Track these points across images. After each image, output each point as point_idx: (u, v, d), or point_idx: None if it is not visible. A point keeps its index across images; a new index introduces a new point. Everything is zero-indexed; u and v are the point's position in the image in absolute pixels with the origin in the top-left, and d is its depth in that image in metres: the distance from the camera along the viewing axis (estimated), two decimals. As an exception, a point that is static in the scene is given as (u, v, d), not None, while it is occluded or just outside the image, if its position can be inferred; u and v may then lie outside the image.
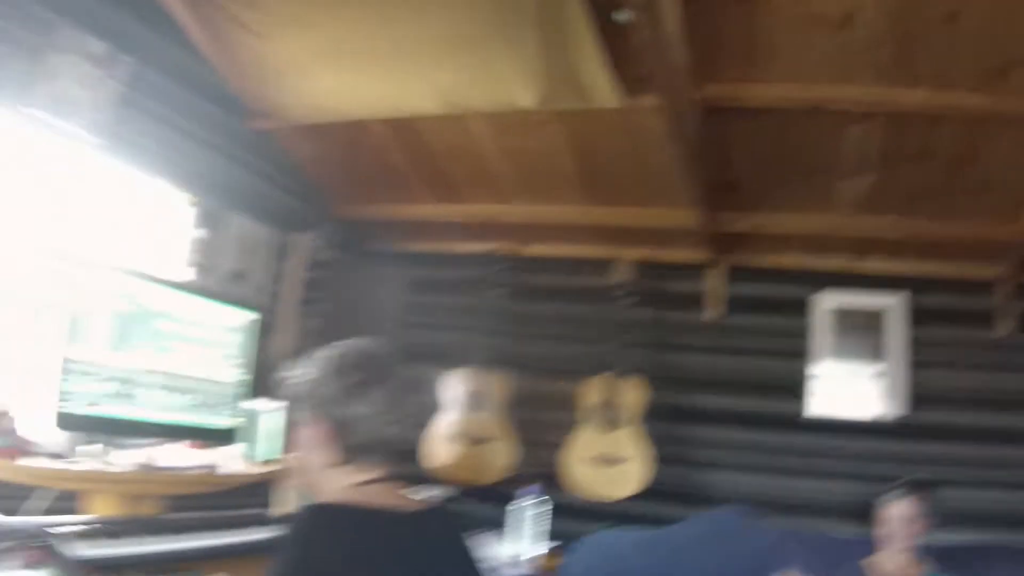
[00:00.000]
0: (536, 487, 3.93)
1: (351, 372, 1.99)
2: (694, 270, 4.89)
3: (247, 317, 3.33)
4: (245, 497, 3.58)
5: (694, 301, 4.90)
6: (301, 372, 2.06)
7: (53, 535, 2.22)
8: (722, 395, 4.79)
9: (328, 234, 4.96)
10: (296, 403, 2.06)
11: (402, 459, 2.07)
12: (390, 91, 3.86)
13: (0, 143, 3.19)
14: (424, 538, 1.98)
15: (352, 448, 1.97)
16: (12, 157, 3.23)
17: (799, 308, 4.74)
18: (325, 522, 1.84)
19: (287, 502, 3.71)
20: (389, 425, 1.98)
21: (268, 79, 4.00)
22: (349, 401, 1.96)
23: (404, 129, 4.34)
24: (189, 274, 4.09)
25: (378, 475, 1.99)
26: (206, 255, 4.21)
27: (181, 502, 3.09)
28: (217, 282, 4.26)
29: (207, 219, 4.20)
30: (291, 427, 2.12)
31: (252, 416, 3.59)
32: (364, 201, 5.17)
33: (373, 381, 1.99)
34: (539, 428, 4.96)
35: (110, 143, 3.49)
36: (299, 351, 4.37)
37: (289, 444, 2.18)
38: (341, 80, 3.87)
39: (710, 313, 4.83)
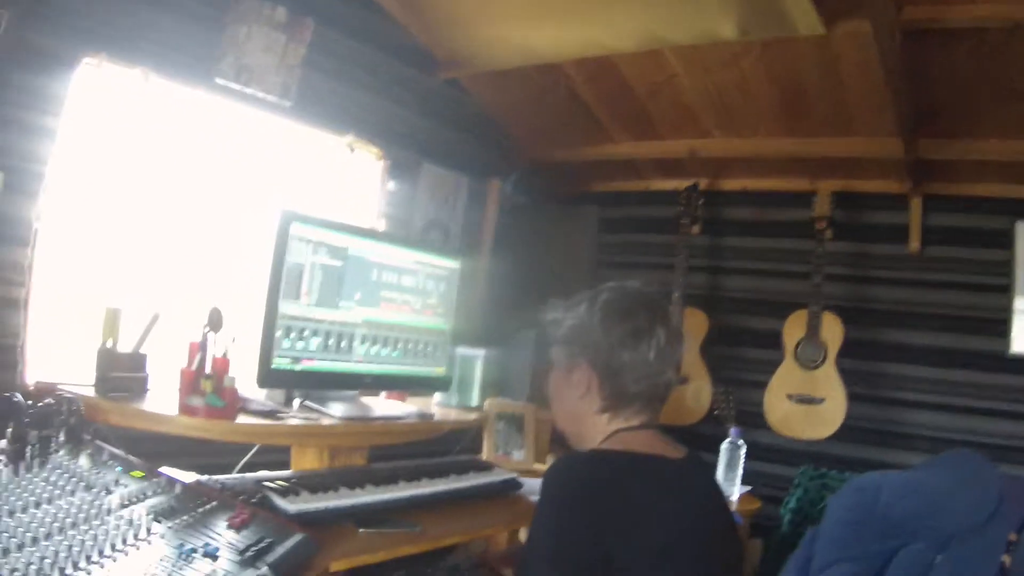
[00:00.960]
0: (736, 429, 3.89)
1: (624, 319, 1.97)
2: (892, 200, 4.68)
3: (448, 264, 3.38)
4: (453, 444, 3.69)
5: (893, 233, 4.69)
6: (568, 315, 2.06)
7: (268, 490, 2.31)
8: (922, 331, 4.60)
9: (520, 179, 4.98)
10: (562, 347, 2.07)
11: (661, 406, 2.06)
12: (587, 30, 3.80)
13: (196, 116, 3.36)
14: (690, 485, 1.97)
15: (620, 395, 1.97)
16: (209, 126, 3.40)
17: (1002, 239, 4.46)
18: (597, 470, 1.85)
19: (495, 448, 3.79)
20: (659, 374, 1.97)
21: (458, 28, 4.03)
22: (622, 349, 1.95)
23: (599, 68, 4.28)
24: (386, 227, 4.19)
25: (643, 422, 2.00)
26: (400, 207, 4.31)
27: (387, 452, 3.14)
28: (413, 232, 4.35)
29: (398, 171, 4.28)
30: (551, 370, 2.13)
31: (462, 362, 3.65)
32: (556, 144, 5.17)
33: (647, 329, 1.96)
34: (737, 366, 4.93)
35: (297, 105, 3.58)
36: (498, 297, 4.51)
37: (548, 387, 2.15)
38: (536, 23, 3.83)
39: (911, 245, 4.64)
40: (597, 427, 2.01)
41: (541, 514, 1.81)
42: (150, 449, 2.40)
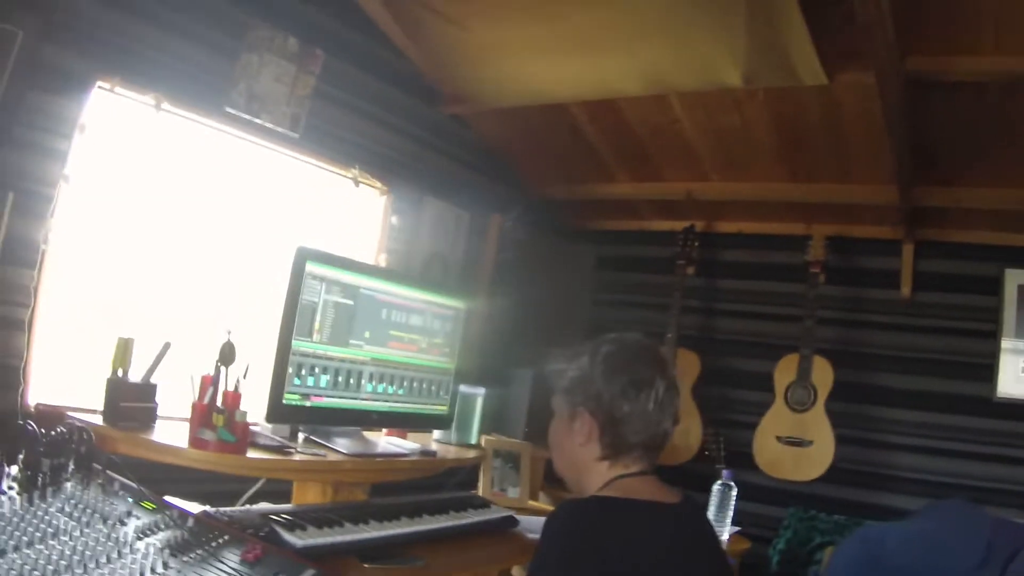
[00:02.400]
0: (727, 471, 3.92)
1: (625, 370, 2.02)
2: (885, 246, 4.72)
3: (454, 304, 3.41)
4: (450, 478, 3.71)
5: (885, 278, 4.74)
6: (571, 366, 2.10)
7: (275, 523, 2.33)
8: (910, 375, 4.63)
9: (521, 215, 5.01)
10: (564, 396, 2.11)
11: (660, 453, 2.09)
12: (593, 73, 3.86)
13: (206, 145, 3.39)
14: (685, 529, 2.01)
15: (620, 444, 2.01)
16: (217, 157, 3.44)
17: (990, 285, 4.51)
18: (598, 515, 1.88)
19: (491, 484, 3.81)
20: (658, 424, 2.02)
21: (465, 65, 4.07)
22: (623, 400, 1.99)
23: (603, 109, 4.33)
24: (387, 261, 4.21)
25: (642, 468, 2.04)
26: (402, 241, 4.32)
27: (385, 487, 3.17)
28: (415, 266, 4.37)
29: (401, 205, 4.30)
30: (553, 416, 2.17)
31: (462, 400, 3.66)
32: (558, 181, 5.22)
33: (647, 380, 2.00)
34: (728, 407, 4.96)
35: (305, 136, 3.62)
36: (496, 333, 4.53)
37: (549, 435, 2.19)
38: (543, 64, 3.88)
39: (902, 290, 4.68)
40: (598, 474, 2.05)
41: (540, 558, 1.83)
42: (153, 475, 2.42)
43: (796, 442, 4.50)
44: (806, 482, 4.49)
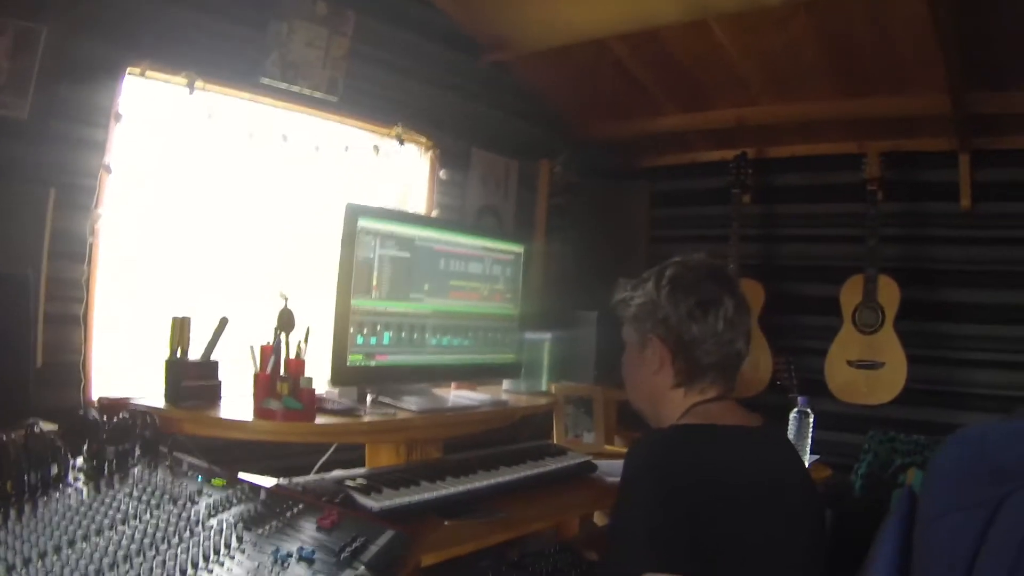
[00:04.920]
0: (803, 398, 3.84)
1: (691, 291, 1.98)
2: (941, 158, 4.53)
3: (513, 249, 3.35)
4: (522, 430, 3.65)
5: (943, 191, 4.56)
6: (636, 294, 2.07)
7: (350, 489, 2.29)
8: (979, 289, 4.45)
9: (570, 158, 4.93)
10: (632, 325, 2.08)
11: (736, 376, 2.05)
12: (629, 4, 3.76)
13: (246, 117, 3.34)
14: (771, 452, 1.98)
15: (693, 368, 1.98)
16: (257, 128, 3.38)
17: None
18: (679, 444, 1.84)
19: (565, 431, 3.77)
20: (730, 344, 1.97)
21: (499, 10, 4.00)
22: (691, 321, 1.95)
23: (645, 42, 4.19)
24: (442, 215, 4.16)
25: (719, 393, 2.00)
26: (452, 195, 4.28)
27: (459, 443, 3.14)
28: (469, 219, 4.33)
29: (448, 159, 4.25)
30: (625, 347, 2.13)
31: (529, 347, 3.61)
32: (604, 120, 5.12)
33: (715, 300, 1.96)
34: (796, 334, 4.87)
35: (344, 99, 3.57)
36: (557, 278, 4.48)
37: (622, 367, 2.16)
38: (578, 0, 3.79)
39: (962, 202, 4.50)
40: (674, 402, 2.01)
41: (627, 495, 1.78)
42: (223, 455, 2.40)
43: (868, 365, 4.40)
44: (881, 405, 4.38)
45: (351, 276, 2.70)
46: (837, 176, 4.82)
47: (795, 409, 3.80)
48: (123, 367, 2.95)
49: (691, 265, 2.04)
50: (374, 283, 2.78)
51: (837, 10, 3.67)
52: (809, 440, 3.81)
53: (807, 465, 3.64)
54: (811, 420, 3.82)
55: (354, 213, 2.71)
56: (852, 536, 2.58)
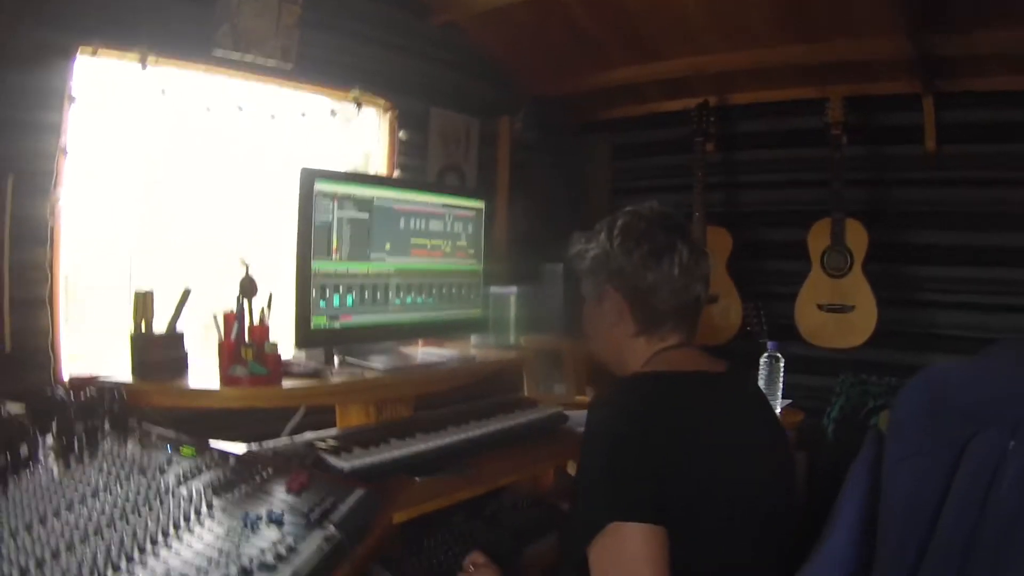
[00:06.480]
0: (772, 343, 3.87)
1: (643, 239, 1.98)
2: (905, 101, 4.50)
3: (473, 205, 3.36)
4: (493, 385, 3.65)
5: (908, 134, 4.53)
6: (589, 246, 2.08)
7: (320, 450, 2.30)
8: (948, 231, 4.45)
9: (529, 114, 4.91)
10: (588, 278, 2.10)
11: (697, 321, 2.07)
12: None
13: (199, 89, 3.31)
14: (736, 397, 1.99)
15: (652, 316, 1.99)
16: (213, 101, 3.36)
17: (1017, 131, 4.26)
18: (642, 392, 1.85)
19: (536, 385, 3.78)
20: (686, 289, 1.98)
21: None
22: (645, 269, 1.96)
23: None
24: (404, 176, 4.15)
25: (680, 340, 2.02)
26: (413, 156, 4.27)
27: (430, 401, 3.14)
28: (430, 178, 4.32)
29: (407, 119, 4.23)
30: (583, 302, 2.15)
31: (495, 302, 3.63)
32: (560, 75, 5.07)
33: (668, 246, 1.97)
34: (764, 280, 4.89)
35: (299, 66, 3.54)
36: (522, 234, 4.48)
37: (583, 321, 2.18)
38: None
39: (926, 144, 4.49)
40: (637, 351, 2.03)
41: (591, 445, 1.79)
42: (193, 426, 2.41)
43: (838, 308, 4.41)
44: (852, 348, 4.39)
45: (310, 239, 2.70)
46: (800, 121, 4.79)
47: (765, 354, 3.82)
48: (92, 346, 2.95)
49: (642, 214, 2.05)
50: (334, 245, 2.79)
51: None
52: (780, 385, 3.84)
53: (779, 410, 3.69)
54: (781, 365, 3.85)
55: (310, 176, 2.71)
56: (825, 478, 2.61)
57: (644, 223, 2.02)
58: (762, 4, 4.03)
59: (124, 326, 2.58)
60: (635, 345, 2.02)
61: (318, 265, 2.73)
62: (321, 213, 2.73)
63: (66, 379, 2.70)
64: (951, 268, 4.41)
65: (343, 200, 2.81)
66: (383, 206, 2.98)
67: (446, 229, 3.26)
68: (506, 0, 4.11)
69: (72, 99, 2.82)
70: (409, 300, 3.10)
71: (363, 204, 2.90)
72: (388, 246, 3.00)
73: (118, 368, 2.53)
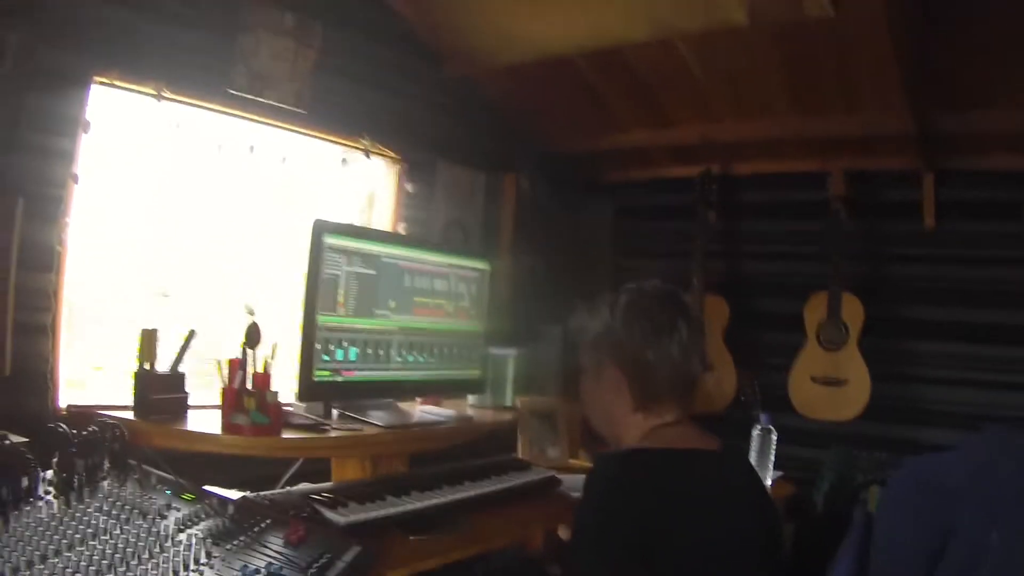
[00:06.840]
0: (766, 415, 3.88)
1: (645, 318, 2.03)
2: (906, 177, 4.57)
3: (477, 266, 3.39)
4: (488, 443, 3.64)
5: (907, 210, 4.58)
6: (592, 321, 2.12)
7: (317, 503, 2.31)
8: (942, 307, 4.49)
9: (536, 172, 4.96)
10: (589, 352, 2.13)
11: (693, 398, 2.09)
12: (595, 23, 3.76)
13: (212, 127, 3.35)
14: (727, 476, 2.01)
15: (650, 393, 2.02)
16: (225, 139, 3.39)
17: (1015, 211, 4.27)
18: (637, 468, 1.88)
19: (529, 445, 3.78)
20: (685, 366, 2.02)
21: (464, 24, 4.00)
22: (646, 347, 2.00)
23: (609, 59, 4.20)
24: (405, 230, 4.17)
25: (677, 416, 2.04)
26: (419, 208, 4.29)
27: (425, 457, 3.16)
28: (434, 233, 4.34)
29: (415, 172, 4.26)
30: (582, 374, 2.18)
31: (494, 362, 3.66)
32: (570, 135, 5.12)
33: (669, 325, 2.01)
34: (760, 351, 4.90)
35: (312, 111, 3.56)
36: (522, 293, 4.50)
37: (581, 393, 2.22)
38: (542, 16, 3.78)
39: (925, 221, 4.55)
40: (633, 426, 2.06)
41: (584, 511, 1.85)
42: (189, 467, 2.40)
43: (831, 381, 4.43)
44: (845, 422, 4.41)
45: (317, 293, 2.73)
46: (802, 194, 4.84)
47: (758, 427, 3.84)
48: (92, 377, 2.96)
49: (645, 291, 2.10)
50: (340, 300, 2.81)
51: (797, 33, 3.71)
52: (772, 457, 3.85)
53: (769, 482, 3.69)
54: (774, 438, 3.86)
55: (320, 230, 2.74)
56: (812, 551, 2.63)
57: (647, 301, 2.07)
58: (774, 75, 4.09)
59: (120, 359, 2.60)
60: (633, 420, 2.05)
61: (323, 319, 2.76)
62: (329, 267, 2.76)
63: (63, 406, 2.71)
64: (945, 344, 4.45)
65: (351, 255, 2.85)
66: (390, 263, 3.01)
67: (450, 289, 3.29)
68: (518, 59, 4.13)
69: (87, 127, 2.84)
70: (411, 358, 3.12)
71: (370, 260, 2.93)
72: (392, 303, 3.03)
73: (115, 399, 2.55)
